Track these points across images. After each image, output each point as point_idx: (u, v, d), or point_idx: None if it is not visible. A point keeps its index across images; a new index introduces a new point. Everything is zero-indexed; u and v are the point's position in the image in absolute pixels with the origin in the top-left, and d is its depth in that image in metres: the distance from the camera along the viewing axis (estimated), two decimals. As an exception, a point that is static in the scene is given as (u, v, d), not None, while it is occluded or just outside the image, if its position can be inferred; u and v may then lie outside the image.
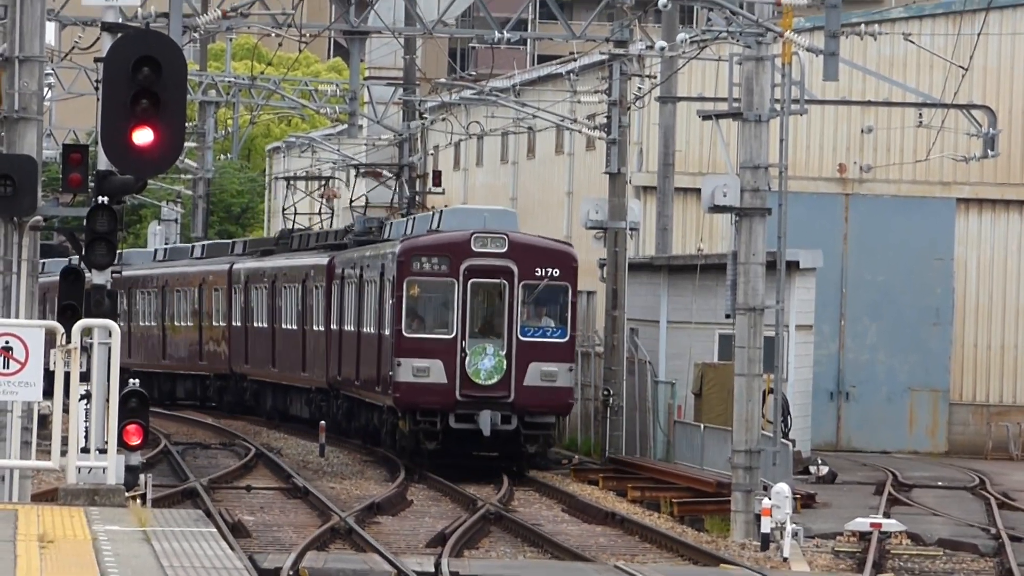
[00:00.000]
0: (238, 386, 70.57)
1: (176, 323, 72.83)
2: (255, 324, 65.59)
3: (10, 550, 18.92)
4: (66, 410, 24.28)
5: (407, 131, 68.25)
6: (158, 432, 55.64)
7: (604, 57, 56.91)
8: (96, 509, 23.44)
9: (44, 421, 28.59)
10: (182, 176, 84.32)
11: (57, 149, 36.27)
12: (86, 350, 25.31)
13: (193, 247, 78.79)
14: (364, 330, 51.14)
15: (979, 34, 55.87)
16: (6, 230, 27.65)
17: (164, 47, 24.02)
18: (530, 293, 41.16)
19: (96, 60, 30.05)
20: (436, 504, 45.46)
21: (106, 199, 27.59)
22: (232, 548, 23.76)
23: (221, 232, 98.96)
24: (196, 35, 51.12)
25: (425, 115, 70.27)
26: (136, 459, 27.63)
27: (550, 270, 40.64)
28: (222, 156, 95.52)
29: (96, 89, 28.73)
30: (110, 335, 23.95)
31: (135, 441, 26.23)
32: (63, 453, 24.72)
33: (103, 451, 24.71)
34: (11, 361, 22.68)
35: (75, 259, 36.01)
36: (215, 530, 23.53)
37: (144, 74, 23.27)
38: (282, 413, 66.15)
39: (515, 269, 40.76)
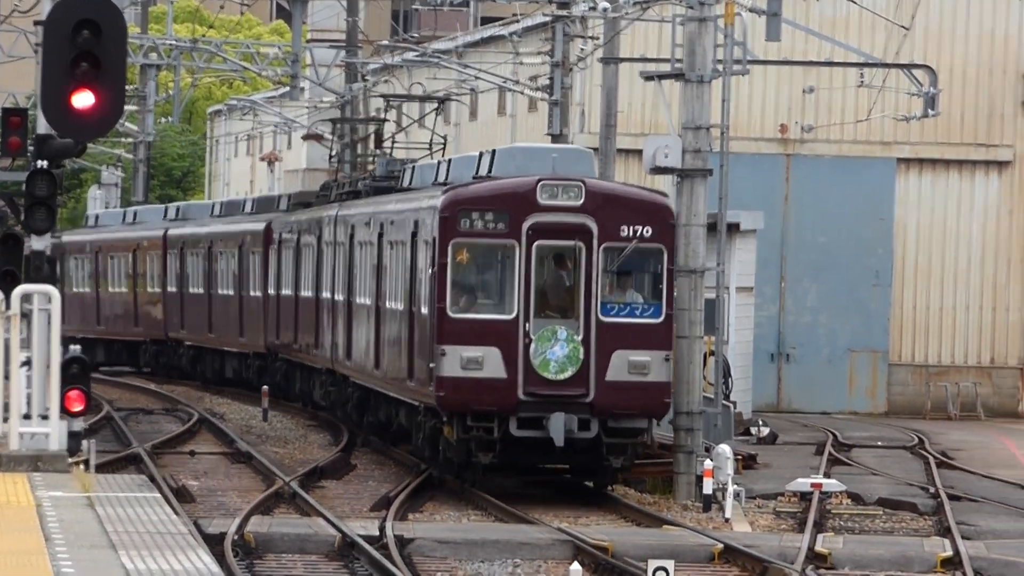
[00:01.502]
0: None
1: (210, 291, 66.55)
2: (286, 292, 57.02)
3: None
4: (7, 377, 25.57)
5: (349, 93, 69.55)
6: (100, 398, 56.31)
7: (547, 19, 57.24)
8: (39, 475, 24.71)
9: None
10: (123, 140, 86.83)
11: None
12: (26, 316, 25.51)
13: (244, 201, 72.47)
14: (388, 305, 40.20)
15: (921, -5, 56.88)
16: None
17: (104, 10, 24.12)
18: (614, 259, 31.99)
19: (36, 23, 30.68)
20: (380, 468, 45.76)
21: (46, 163, 27.80)
22: (176, 513, 24.41)
23: (162, 196, 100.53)
24: None
25: (367, 77, 72.82)
26: (79, 425, 27.87)
27: (640, 228, 31.49)
28: (163, 119, 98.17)
29: (36, 52, 29.82)
30: (50, 301, 24.97)
31: (77, 407, 26.63)
32: (5, 419, 26.09)
33: (45, 417, 25.46)
34: None
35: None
36: (159, 495, 25.46)
37: (84, 37, 23.25)
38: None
39: (594, 227, 31.56)
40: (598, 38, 58.16)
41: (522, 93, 62.66)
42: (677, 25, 41.81)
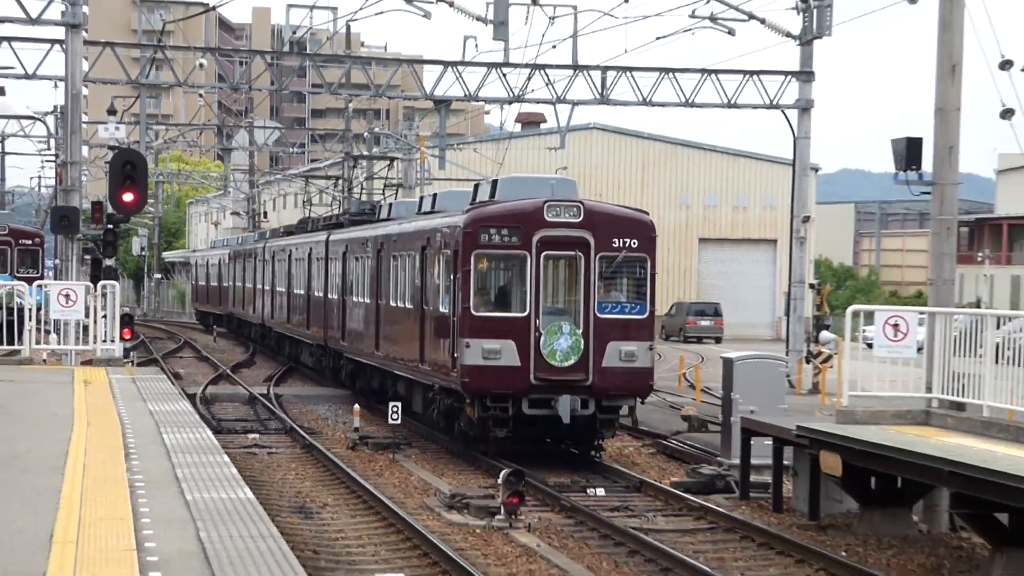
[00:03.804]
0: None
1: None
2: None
3: (70, 386, 31.31)
4: (94, 323, 37.35)
5: (250, 194, 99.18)
6: (141, 333, 77.90)
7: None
8: (111, 368, 36.13)
9: (85, 328, 38.42)
10: (146, 215, 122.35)
11: (88, 202, 47.63)
12: (106, 294, 36.91)
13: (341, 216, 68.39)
14: (396, 304, 40.28)
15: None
16: (66, 242, 42.83)
17: (137, 156, 37.79)
18: (607, 266, 33.08)
19: (106, 162, 46.11)
20: (268, 362, 66.00)
21: (111, 226, 40.83)
22: (173, 383, 36.43)
23: (168, 242, 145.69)
24: (151, 150, 75.72)
25: (258, 185, 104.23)
26: (127, 346, 40.45)
27: (628, 240, 32.98)
28: (166, 206, 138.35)
29: (106, 174, 41.81)
30: (114, 288, 36.81)
31: (127, 337, 39.85)
32: (95, 341, 37.55)
33: (113, 341, 37.34)
34: (70, 300, 36.51)
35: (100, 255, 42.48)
36: (165, 376, 37.91)
37: (128, 168, 36.44)
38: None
39: (591, 240, 32.79)
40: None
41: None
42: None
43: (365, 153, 73.53)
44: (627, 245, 33.25)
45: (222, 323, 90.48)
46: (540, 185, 35.63)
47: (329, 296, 50.32)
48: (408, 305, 38.44)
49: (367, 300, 43.60)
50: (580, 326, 32.91)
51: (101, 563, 14.04)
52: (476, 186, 37.61)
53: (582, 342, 32.76)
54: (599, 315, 33.05)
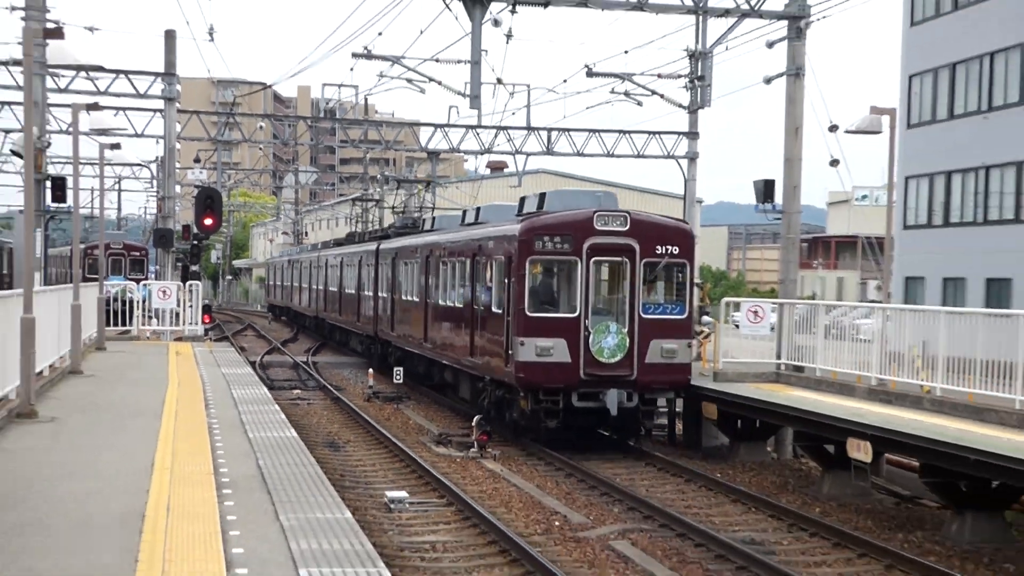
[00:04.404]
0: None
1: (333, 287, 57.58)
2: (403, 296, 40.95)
3: (166, 356, 31.64)
4: (184, 310, 38.45)
5: (295, 219, 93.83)
6: (216, 318, 75.35)
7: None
8: (195, 342, 36.98)
9: (177, 315, 38.92)
10: (221, 234, 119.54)
11: (179, 225, 46.89)
12: (192, 290, 38.19)
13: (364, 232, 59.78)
14: (446, 303, 33.93)
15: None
16: (164, 253, 42.46)
17: (214, 192, 37.45)
18: (651, 270, 27.57)
19: (193, 197, 44.71)
20: (307, 339, 64.54)
21: (195, 242, 40.97)
22: (239, 353, 36.04)
23: (236, 254, 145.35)
24: (225, 188, 75.03)
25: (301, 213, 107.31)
26: (207, 327, 39.94)
27: (669, 247, 27.64)
28: (235, 228, 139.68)
29: (192, 205, 40.96)
30: (199, 285, 38.06)
31: (207, 321, 39.85)
32: (184, 324, 38.51)
33: (197, 324, 38.49)
34: (166, 295, 37.18)
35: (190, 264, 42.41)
36: (233, 349, 38.15)
37: (208, 201, 36.49)
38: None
39: (636, 247, 27.45)
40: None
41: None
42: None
43: (382, 188, 72.47)
44: (668, 252, 27.84)
45: (285, 315, 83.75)
46: (586, 197, 30.12)
47: (380, 295, 44.73)
48: (458, 304, 32.67)
49: (416, 299, 37.93)
50: (625, 325, 27.44)
51: (189, 483, 14.17)
52: (522, 200, 31.73)
53: (627, 340, 27.24)
54: (643, 315, 27.53)
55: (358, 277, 49.50)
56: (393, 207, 60.83)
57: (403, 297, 40.15)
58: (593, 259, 27.47)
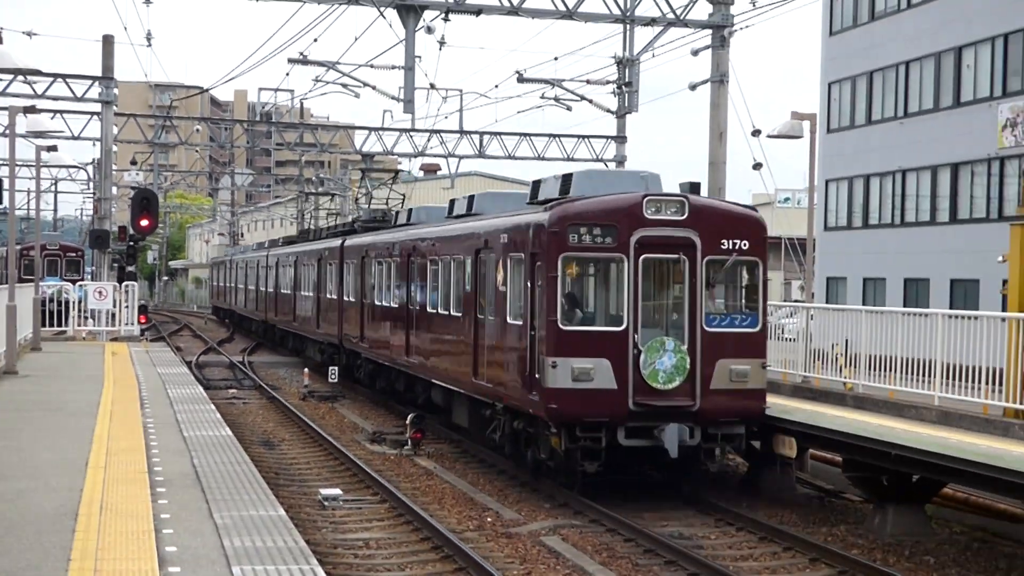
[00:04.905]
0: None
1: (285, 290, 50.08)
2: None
3: (102, 356, 31.26)
4: (120, 310, 37.99)
5: (231, 219, 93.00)
6: (152, 319, 73.90)
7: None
8: (131, 342, 36.69)
9: (113, 315, 38.50)
10: (157, 235, 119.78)
11: (115, 226, 43.12)
12: (128, 291, 37.85)
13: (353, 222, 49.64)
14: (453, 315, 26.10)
15: None
16: (100, 254, 42.06)
17: (151, 194, 37.35)
18: (716, 271, 21.30)
19: (129, 198, 45.21)
20: (244, 338, 63.47)
21: (132, 243, 40.46)
22: (175, 353, 36.32)
23: (172, 255, 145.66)
24: (161, 190, 74.08)
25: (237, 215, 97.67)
26: (142, 327, 39.74)
27: (738, 241, 21.23)
28: (171, 229, 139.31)
29: (129, 207, 40.89)
30: (135, 286, 37.61)
31: (143, 321, 39.73)
32: (120, 324, 38.05)
33: (133, 324, 38.16)
34: (102, 295, 36.72)
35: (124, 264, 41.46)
36: (169, 349, 38.35)
37: (144, 202, 36.12)
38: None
39: (697, 240, 21.10)
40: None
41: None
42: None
43: (318, 189, 71.99)
44: (737, 247, 21.31)
45: (231, 318, 75.77)
46: (626, 179, 23.40)
47: (345, 299, 37.50)
48: (454, 313, 25.88)
49: (393, 304, 31.34)
50: (685, 341, 20.81)
51: (123, 481, 13.93)
52: (536, 183, 24.65)
53: (688, 360, 20.65)
54: (706, 328, 20.95)
55: (317, 278, 42.65)
56: (357, 198, 53.35)
57: (377, 302, 33.53)
58: (643, 256, 20.77)
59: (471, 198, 28.45)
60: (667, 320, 21.06)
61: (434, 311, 27.44)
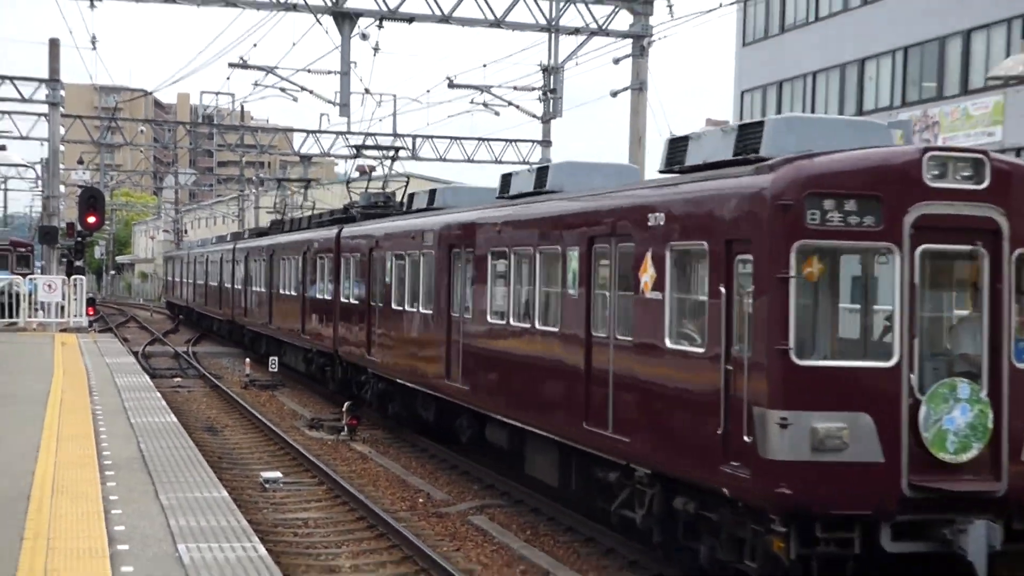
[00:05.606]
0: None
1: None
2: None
3: (51, 346, 31.00)
4: (68, 303, 37.77)
5: (175, 216, 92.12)
6: (100, 311, 70.48)
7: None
8: (79, 334, 36.17)
9: (62, 307, 38.16)
10: (104, 231, 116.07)
11: (64, 223, 42.30)
12: (76, 284, 37.57)
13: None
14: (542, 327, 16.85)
15: None
16: (49, 249, 41.50)
17: (98, 192, 37.49)
18: None
19: (77, 196, 43.38)
20: (188, 331, 62.27)
21: (79, 239, 40.85)
22: (122, 344, 36.84)
23: (119, 250, 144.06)
24: (108, 188, 72.84)
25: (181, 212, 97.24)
26: (90, 319, 39.49)
27: None
28: (118, 225, 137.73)
29: (76, 204, 39.54)
30: (83, 280, 37.43)
31: (91, 313, 39.54)
32: (69, 316, 37.72)
33: (81, 316, 37.74)
34: (52, 288, 36.43)
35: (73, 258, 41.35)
36: (117, 339, 38.56)
37: (91, 200, 35.84)
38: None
39: (1004, 224, 10.99)
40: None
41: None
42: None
43: (258, 189, 71.46)
44: None
45: (187, 316, 68.01)
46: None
47: (343, 301, 29.31)
48: (541, 326, 16.97)
49: (424, 311, 22.77)
50: (984, 386, 11.72)
51: (73, 465, 13.95)
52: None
53: (990, 415, 11.64)
54: (1017, 364, 11.84)
55: (302, 275, 34.76)
56: (349, 180, 44.26)
57: (395, 306, 24.83)
58: (922, 246, 11.75)
59: (543, 169, 19.27)
60: (953, 351, 12.25)
61: (500, 323, 18.74)
